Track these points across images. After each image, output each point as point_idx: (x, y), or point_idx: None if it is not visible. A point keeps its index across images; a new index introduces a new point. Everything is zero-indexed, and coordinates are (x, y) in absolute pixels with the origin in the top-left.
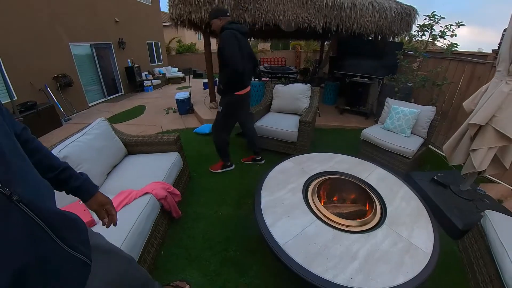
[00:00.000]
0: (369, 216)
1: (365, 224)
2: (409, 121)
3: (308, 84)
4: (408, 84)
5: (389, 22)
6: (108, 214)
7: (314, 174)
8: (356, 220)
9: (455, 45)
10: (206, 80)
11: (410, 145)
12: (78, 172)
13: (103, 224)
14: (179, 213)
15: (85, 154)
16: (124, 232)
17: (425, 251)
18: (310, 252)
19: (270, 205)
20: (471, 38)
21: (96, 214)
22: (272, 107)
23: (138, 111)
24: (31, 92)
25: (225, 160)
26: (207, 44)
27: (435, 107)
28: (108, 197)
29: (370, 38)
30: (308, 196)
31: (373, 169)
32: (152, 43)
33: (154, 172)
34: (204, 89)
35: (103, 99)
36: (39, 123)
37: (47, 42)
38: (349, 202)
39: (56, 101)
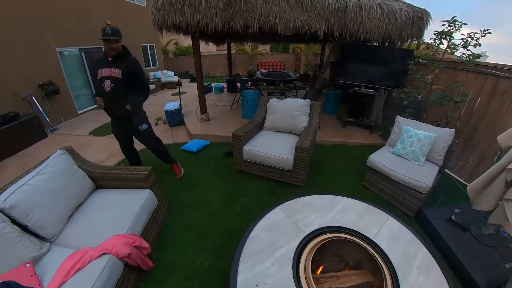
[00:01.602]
0: None
1: None
2: (424, 147)
3: (307, 100)
4: (418, 97)
5: (399, 27)
6: None
7: (310, 233)
8: None
9: (477, 56)
10: (205, 84)
11: (425, 177)
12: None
13: None
14: (150, 265)
15: (36, 199)
16: None
17: None
18: None
19: (249, 286)
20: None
21: None
22: (265, 124)
23: None
24: (14, 101)
25: (173, 159)
26: (197, 51)
27: (453, 130)
28: None
29: (377, 44)
30: (300, 270)
31: (384, 220)
32: (147, 46)
33: (119, 219)
34: None
35: (94, 106)
36: (21, 135)
37: (32, 47)
38: (353, 269)
39: (41, 110)
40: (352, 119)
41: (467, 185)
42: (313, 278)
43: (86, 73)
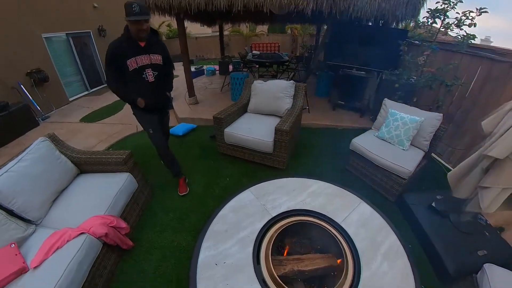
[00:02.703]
0: (337, 284)
1: None
2: (409, 132)
3: (292, 81)
4: (410, 80)
5: (392, 5)
6: None
7: (276, 215)
8: None
9: (472, 37)
10: (197, 67)
11: (407, 162)
12: None
13: None
14: (130, 244)
15: (19, 185)
16: (51, 284)
17: None
18: None
19: (209, 264)
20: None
21: None
22: (249, 107)
23: (118, 106)
24: (2, 91)
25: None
26: (182, 34)
27: (441, 115)
28: None
29: (369, 24)
30: (261, 253)
31: (355, 205)
32: None
33: (98, 201)
34: (193, 78)
35: (86, 92)
36: (12, 125)
37: (17, 34)
38: (318, 253)
39: (31, 99)
40: (343, 102)
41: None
42: (276, 260)
43: (75, 59)
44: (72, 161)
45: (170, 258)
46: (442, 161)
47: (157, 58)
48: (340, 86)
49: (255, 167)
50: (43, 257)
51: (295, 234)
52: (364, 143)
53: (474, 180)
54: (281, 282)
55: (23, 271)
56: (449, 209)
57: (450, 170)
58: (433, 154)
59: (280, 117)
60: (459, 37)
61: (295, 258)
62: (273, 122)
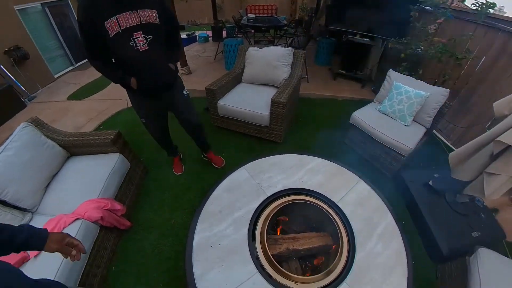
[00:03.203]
0: (332, 265)
1: (322, 279)
2: (412, 107)
3: (290, 48)
4: (417, 50)
5: None
6: (73, 246)
7: (272, 194)
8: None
9: (492, 5)
10: (188, 33)
11: (408, 139)
12: (18, 226)
13: (72, 259)
14: (127, 225)
15: (7, 175)
16: (53, 270)
17: None
18: None
19: (204, 246)
20: None
21: (61, 254)
22: (243, 77)
23: (106, 81)
24: None
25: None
26: None
27: (448, 90)
28: (61, 232)
29: None
30: (256, 233)
31: (353, 183)
32: None
33: (90, 185)
34: (184, 46)
35: (71, 67)
36: None
37: None
38: (314, 232)
39: (14, 79)
40: (344, 71)
41: (453, 149)
42: (271, 239)
43: (55, 32)
44: (60, 145)
45: (168, 236)
46: (442, 138)
47: (149, 15)
48: (342, 54)
49: (251, 140)
50: None
51: (291, 213)
52: (365, 117)
53: (478, 163)
54: (275, 263)
55: (24, 260)
56: (446, 188)
57: (449, 147)
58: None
59: (277, 87)
60: (477, 4)
61: (290, 237)
62: (270, 93)
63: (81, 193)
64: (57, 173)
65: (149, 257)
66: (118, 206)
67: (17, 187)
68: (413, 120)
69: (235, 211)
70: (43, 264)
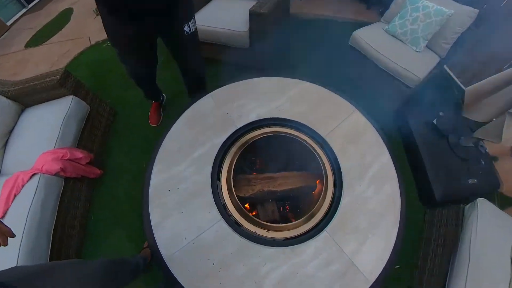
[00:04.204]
0: (312, 210)
1: (298, 227)
2: (429, 27)
3: None
4: None
5: None
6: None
7: (243, 126)
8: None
9: None
10: None
11: (418, 68)
12: None
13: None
14: (97, 173)
15: None
16: (19, 230)
17: (367, 277)
18: (199, 271)
19: (161, 190)
20: None
21: None
22: None
23: (64, 18)
24: None
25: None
26: None
27: (477, 11)
28: None
29: None
30: (222, 173)
31: (347, 114)
32: None
33: (46, 135)
34: None
35: (24, 10)
36: None
37: None
38: (295, 171)
39: None
40: None
41: (462, 88)
42: (243, 180)
43: None
44: (7, 97)
45: (139, 180)
46: (451, 74)
47: None
48: None
49: (231, 70)
50: (5, 207)
51: (266, 149)
52: (368, 37)
53: (499, 103)
54: (242, 207)
55: None
56: (451, 130)
57: (459, 86)
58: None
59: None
60: None
61: (266, 176)
62: (250, 6)
63: (38, 146)
64: (13, 128)
65: (123, 203)
66: (79, 154)
67: None
68: (426, 46)
69: (197, 147)
70: (9, 226)
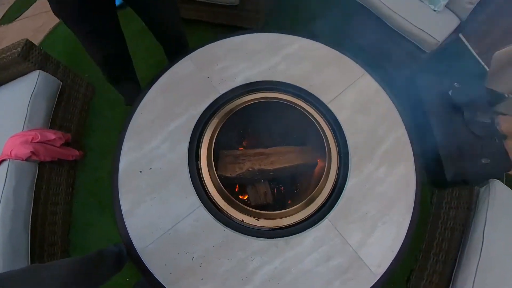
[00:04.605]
0: (311, 195)
1: (294, 214)
2: None
3: None
4: None
5: None
6: None
7: (227, 92)
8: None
9: None
10: None
11: (436, 30)
12: None
13: None
14: (76, 154)
15: None
16: None
17: (373, 271)
18: (177, 266)
19: (132, 172)
20: None
21: None
22: None
23: None
24: None
25: None
26: None
27: None
28: None
29: None
30: (202, 150)
31: (355, 78)
32: None
33: (12, 117)
34: None
35: None
36: None
37: None
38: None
39: None
40: None
41: (479, 61)
42: (230, 156)
43: None
44: None
45: None
46: (466, 43)
47: None
48: None
49: (221, 32)
50: None
51: (256, 120)
52: None
53: None
54: (225, 191)
55: None
56: (468, 102)
57: (475, 57)
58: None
59: None
60: None
61: (257, 152)
62: None
63: (4, 130)
64: None
65: (108, 186)
66: (52, 135)
67: None
68: (446, 5)
69: (172, 119)
70: None
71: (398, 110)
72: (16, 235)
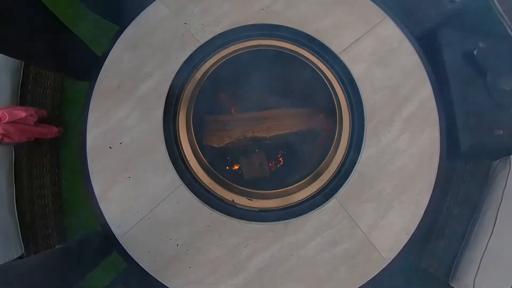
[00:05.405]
0: (317, 169)
1: (296, 192)
2: None
3: None
4: None
5: None
6: None
7: (209, 40)
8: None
9: None
10: None
11: None
12: None
13: None
14: (54, 131)
15: None
16: None
17: (384, 255)
18: (161, 254)
19: (101, 148)
20: None
21: None
22: None
23: None
24: None
25: None
26: None
27: None
28: None
29: None
30: (180, 116)
31: (373, 23)
32: None
33: None
34: None
35: None
36: None
37: None
38: (293, 108)
39: None
40: None
41: (504, 18)
42: (216, 123)
43: None
44: None
45: None
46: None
47: None
48: None
49: None
50: None
51: (247, 75)
52: None
53: None
54: (211, 168)
55: None
56: (492, 65)
57: (502, 15)
58: None
59: None
60: None
61: (248, 117)
62: None
63: None
64: None
65: None
66: (22, 113)
67: None
68: None
69: (142, 81)
70: None
71: (424, 66)
72: (2, 223)
